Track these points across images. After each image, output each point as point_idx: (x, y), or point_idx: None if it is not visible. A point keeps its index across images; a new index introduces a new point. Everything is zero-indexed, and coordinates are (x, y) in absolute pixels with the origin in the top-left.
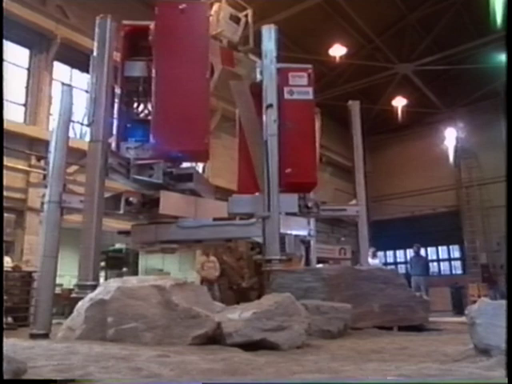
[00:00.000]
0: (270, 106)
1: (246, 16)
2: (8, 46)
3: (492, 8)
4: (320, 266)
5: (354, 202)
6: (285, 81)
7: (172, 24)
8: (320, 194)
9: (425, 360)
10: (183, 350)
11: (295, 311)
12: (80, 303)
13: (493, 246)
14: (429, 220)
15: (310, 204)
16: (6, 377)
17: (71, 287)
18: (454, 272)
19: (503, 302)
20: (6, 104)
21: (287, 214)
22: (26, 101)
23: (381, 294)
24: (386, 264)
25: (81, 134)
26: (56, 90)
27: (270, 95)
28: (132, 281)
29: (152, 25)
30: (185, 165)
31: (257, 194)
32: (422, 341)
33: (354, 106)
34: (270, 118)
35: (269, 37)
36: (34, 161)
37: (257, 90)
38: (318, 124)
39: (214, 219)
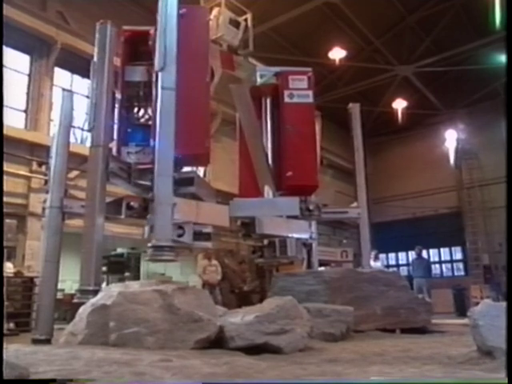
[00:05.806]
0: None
1: (246, 20)
2: (8, 51)
3: (491, 9)
4: (322, 268)
5: (355, 204)
6: (285, 84)
7: None
8: (321, 197)
9: (428, 362)
10: (186, 354)
11: (297, 314)
12: (82, 308)
13: (495, 247)
14: (430, 221)
15: (311, 207)
16: None
17: (73, 292)
18: (456, 274)
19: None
20: (6, 110)
21: (288, 216)
22: (27, 106)
23: (383, 296)
24: (387, 266)
25: (82, 139)
26: (57, 96)
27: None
28: (134, 285)
29: (152, 30)
30: (186, 169)
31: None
32: (424, 343)
33: (355, 109)
34: (158, 62)
35: None
36: (35, 166)
37: (257, 94)
38: (318, 127)
39: None
